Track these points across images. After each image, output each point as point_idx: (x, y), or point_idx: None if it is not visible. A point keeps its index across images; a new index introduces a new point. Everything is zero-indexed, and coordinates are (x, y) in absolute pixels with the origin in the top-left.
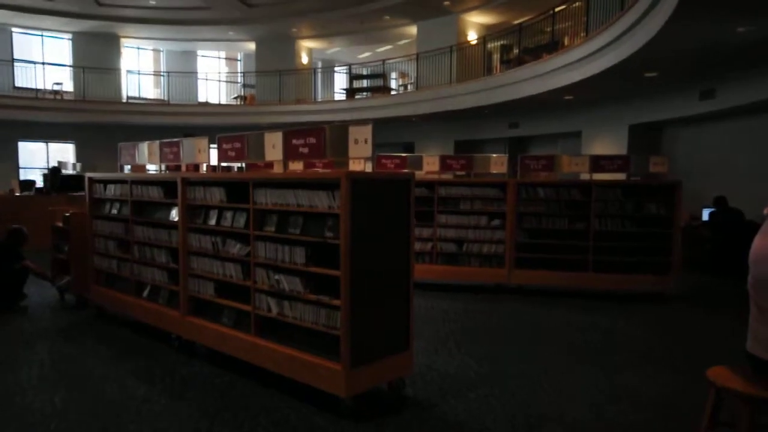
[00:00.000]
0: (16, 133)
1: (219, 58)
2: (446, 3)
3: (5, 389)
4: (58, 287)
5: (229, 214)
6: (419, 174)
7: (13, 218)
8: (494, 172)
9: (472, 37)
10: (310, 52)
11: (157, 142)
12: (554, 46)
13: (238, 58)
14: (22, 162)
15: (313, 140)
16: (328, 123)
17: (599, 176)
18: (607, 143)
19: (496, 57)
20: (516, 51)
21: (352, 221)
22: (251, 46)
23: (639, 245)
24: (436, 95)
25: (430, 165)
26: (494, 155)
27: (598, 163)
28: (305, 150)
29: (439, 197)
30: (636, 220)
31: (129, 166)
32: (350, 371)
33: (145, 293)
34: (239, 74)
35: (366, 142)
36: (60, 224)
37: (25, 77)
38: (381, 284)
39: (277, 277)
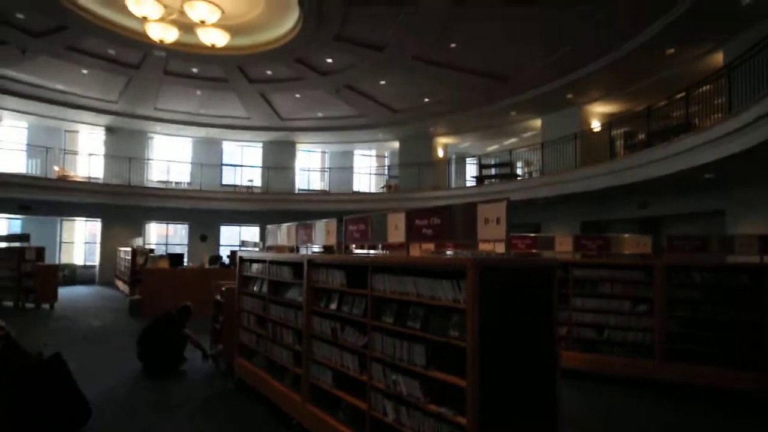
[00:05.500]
0: (220, 219)
1: (370, 155)
2: (569, 96)
3: None
4: (211, 355)
5: (348, 300)
6: (548, 254)
7: (201, 286)
8: (630, 252)
9: (595, 125)
10: (446, 146)
11: (295, 224)
12: (686, 128)
13: (386, 155)
14: (222, 241)
15: (437, 221)
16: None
17: None
18: (759, 223)
19: (619, 143)
20: (642, 136)
21: (482, 319)
22: (396, 144)
23: None
24: (560, 179)
25: (562, 245)
26: (635, 235)
27: None
28: (429, 231)
29: (574, 279)
30: None
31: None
32: None
33: (275, 372)
34: (386, 167)
35: (498, 222)
36: (218, 297)
37: (229, 176)
38: (519, 398)
39: (394, 377)
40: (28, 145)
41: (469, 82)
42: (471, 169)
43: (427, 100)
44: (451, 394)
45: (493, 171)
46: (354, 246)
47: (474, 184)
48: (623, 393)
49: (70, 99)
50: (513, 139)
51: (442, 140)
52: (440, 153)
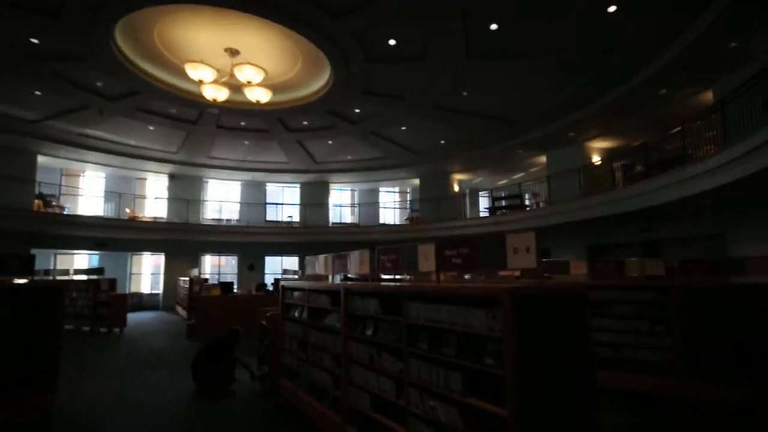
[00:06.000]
0: (264, 251)
1: (394, 191)
2: (571, 134)
3: None
4: (258, 377)
5: (384, 326)
6: (561, 278)
7: (248, 311)
8: (640, 275)
9: (596, 159)
10: (460, 182)
11: (331, 255)
12: (680, 160)
13: (407, 191)
14: (267, 270)
15: (466, 250)
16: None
17: None
18: (759, 245)
19: (618, 175)
20: (639, 167)
21: (518, 348)
22: (416, 181)
23: None
24: (564, 209)
25: (576, 269)
26: (648, 259)
27: None
28: (458, 261)
29: (591, 301)
30: None
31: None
32: None
33: (316, 394)
34: (408, 202)
35: (528, 251)
36: (264, 322)
37: (271, 213)
38: (558, 423)
39: (432, 403)
40: (105, 191)
41: (480, 125)
42: (483, 201)
43: (443, 141)
44: (488, 420)
45: (503, 203)
46: (382, 274)
47: (487, 214)
48: (645, 410)
49: (140, 152)
50: (521, 174)
51: (457, 176)
52: (456, 188)
